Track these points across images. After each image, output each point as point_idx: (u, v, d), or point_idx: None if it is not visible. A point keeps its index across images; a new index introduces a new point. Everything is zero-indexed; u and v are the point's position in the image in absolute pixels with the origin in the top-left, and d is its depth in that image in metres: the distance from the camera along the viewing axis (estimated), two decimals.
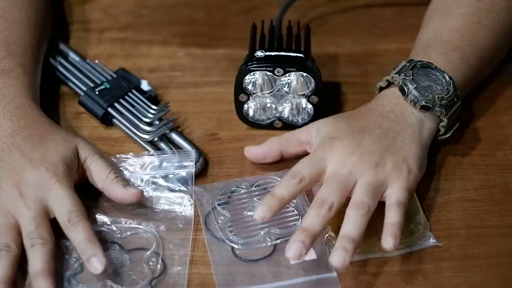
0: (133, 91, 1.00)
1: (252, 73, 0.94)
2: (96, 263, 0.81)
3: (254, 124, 0.98)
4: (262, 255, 0.85)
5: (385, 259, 0.84)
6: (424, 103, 0.90)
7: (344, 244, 0.80)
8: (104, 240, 0.86)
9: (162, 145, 0.95)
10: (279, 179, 0.92)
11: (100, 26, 1.15)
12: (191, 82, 1.06)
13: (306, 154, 0.91)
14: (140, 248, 0.85)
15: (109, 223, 0.87)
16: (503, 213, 0.89)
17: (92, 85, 1.01)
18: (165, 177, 0.91)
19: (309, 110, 0.97)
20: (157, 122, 0.97)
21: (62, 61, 1.04)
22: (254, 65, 0.93)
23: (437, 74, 0.92)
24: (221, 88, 1.04)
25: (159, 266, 0.84)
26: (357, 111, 0.92)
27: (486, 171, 0.93)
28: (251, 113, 0.98)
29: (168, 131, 0.96)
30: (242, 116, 0.98)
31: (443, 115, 0.90)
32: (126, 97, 0.99)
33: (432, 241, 0.85)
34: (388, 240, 0.81)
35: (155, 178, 0.91)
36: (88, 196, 0.89)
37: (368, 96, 1.03)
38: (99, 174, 0.88)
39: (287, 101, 0.97)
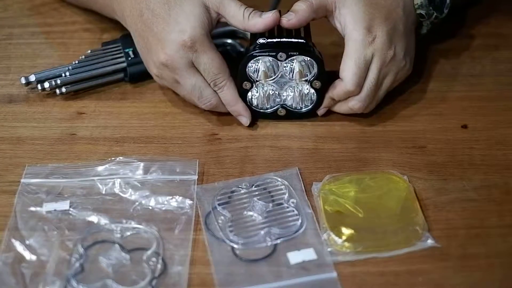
0: None
1: (255, 60, 0.95)
2: (243, 120, 0.98)
3: (258, 112, 0.99)
4: (262, 255, 0.85)
5: (385, 259, 0.84)
6: (422, 12, 1.00)
7: None
8: (104, 240, 0.86)
9: None
10: (279, 179, 0.92)
11: (100, 26, 1.15)
12: None
13: None
14: (140, 248, 0.85)
15: (109, 223, 0.87)
16: (503, 213, 0.89)
17: (124, 59, 1.05)
18: (167, 181, 0.91)
19: (312, 96, 0.98)
20: None
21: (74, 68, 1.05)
22: (257, 51, 0.95)
23: None
24: None
25: (159, 266, 0.84)
26: None
27: (486, 171, 0.93)
28: (254, 101, 0.99)
29: None
30: (246, 104, 0.98)
31: (425, 27, 1.03)
32: None
33: (430, 241, 0.85)
34: None
35: (157, 180, 0.92)
36: (89, 196, 0.90)
37: None
38: (236, 19, 0.95)
39: (290, 88, 0.98)
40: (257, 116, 0.99)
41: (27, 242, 0.85)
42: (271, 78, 0.97)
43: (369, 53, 0.94)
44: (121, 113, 1.02)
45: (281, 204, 0.89)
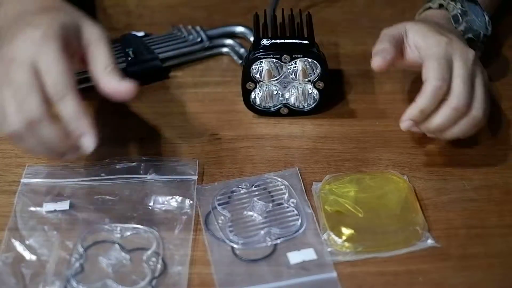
0: (145, 37, 1.09)
1: (259, 62, 0.96)
2: (87, 142, 0.79)
3: (261, 111, 1.00)
4: (262, 255, 0.85)
5: (385, 259, 0.84)
6: (471, 36, 0.98)
7: None
8: (104, 240, 0.86)
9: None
10: (279, 179, 0.92)
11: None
12: (191, 82, 1.06)
13: None
14: (140, 248, 0.85)
15: (109, 223, 0.87)
16: (503, 213, 0.89)
17: (123, 59, 1.06)
18: (167, 181, 0.92)
19: (315, 95, 0.99)
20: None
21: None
22: (261, 53, 0.95)
23: (479, 10, 0.99)
24: (221, 88, 1.04)
25: (159, 266, 0.84)
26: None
27: (486, 171, 0.93)
28: (258, 101, 0.99)
29: None
30: (249, 104, 0.99)
31: (478, 51, 0.98)
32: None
33: (430, 241, 0.85)
34: None
35: (157, 181, 0.92)
36: (89, 196, 0.90)
37: (368, 96, 1.03)
38: (98, 62, 0.82)
39: (293, 88, 0.98)
40: (262, 114, 1.00)
41: (27, 242, 0.85)
42: (275, 79, 0.97)
43: (449, 50, 0.89)
44: (122, 113, 1.02)
45: (281, 204, 0.89)
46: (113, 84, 0.81)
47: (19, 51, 0.80)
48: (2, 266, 0.83)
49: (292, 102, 0.99)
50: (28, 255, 0.84)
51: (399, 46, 0.93)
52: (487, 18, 1.00)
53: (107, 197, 0.90)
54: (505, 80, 1.06)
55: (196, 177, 0.92)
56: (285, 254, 0.84)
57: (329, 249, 0.85)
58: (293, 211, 0.89)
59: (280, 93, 0.99)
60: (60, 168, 0.93)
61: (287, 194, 0.90)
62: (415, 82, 1.06)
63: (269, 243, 0.86)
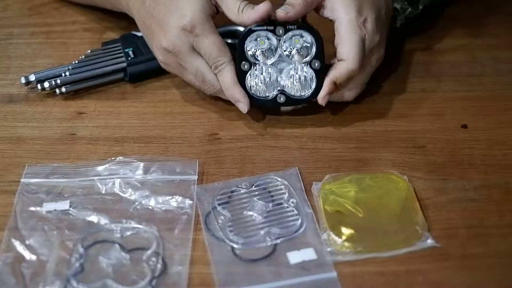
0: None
1: (254, 38, 0.95)
2: (241, 107, 0.97)
3: (257, 100, 0.98)
4: (262, 255, 0.85)
5: (385, 259, 0.84)
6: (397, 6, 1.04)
7: None
8: (104, 240, 0.86)
9: None
10: (279, 179, 0.92)
11: (100, 26, 1.15)
12: None
13: None
14: (140, 248, 0.85)
15: (109, 223, 0.87)
16: (503, 213, 0.89)
17: (123, 59, 1.05)
18: (167, 181, 0.92)
19: (311, 81, 0.97)
20: None
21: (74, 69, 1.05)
22: (255, 26, 0.95)
23: None
24: None
25: (159, 265, 0.84)
26: None
27: (486, 171, 0.93)
28: (253, 89, 0.97)
29: None
30: (245, 91, 0.97)
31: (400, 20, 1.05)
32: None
33: (430, 241, 0.85)
34: None
35: (157, 180, 0.92)
36: (88, 196, 0.90)
37: (368, 96, 1.03)
38: (231, 11, 0.95)
39: (289, 72, 0.97)
40: (256, 104, 0.98)
41: (27, 242, 0.85)
42: (270, 59, 0.97)
43: (363, 34, 0.96)
44: (121, 113, 1.02)
45: (281, 204, 0.89)
46: (253, 14, 0.95)
47: (178, 41, 0.96)
48: (2, 266, 0.83)
49: (289, 89, 0.97)
50: (28, 255, 0.84)
51: (313, 6, 0.97)
52: None
53: (107, 197, 0.90)
54: (505, 80, 1.06)
55: (196, 177, 0.92)
56: (285, 254, 0.84)
57: (329, 249, 0.85)
58: (293, 211, 0.89)
59: (276, 79, 0.97)
60: (60, 168, 0.93)
61: (287, 194, 0.90)
62: (415, 82, 1.06)
63: (269, 243, 0.86)
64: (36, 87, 1.04)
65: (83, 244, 0.85)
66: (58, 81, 1.03)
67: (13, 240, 0.85)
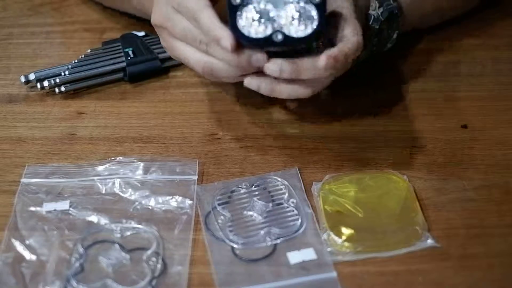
0: (145, 37, 1.09)
1: None
2: (223, 43, 0.84)
3: (251, 40, 0.85)
4: (262, 255, 0.85)
5: (385, 259, 0.84)
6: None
7: None
8: (104, 240, 0.86)
9: None
10: (279, 179, 0.92)
11: (100, 26, 1.15)
12: (191, 82, 1.06)
13: None
14: (140, 248, 0.85)
15: (109, 223, 0.87)
16: (503, 213, 0.89)
17: (123, 59, 1.05)
18: (167, 181, 0.92)
19: (311, 18, 0.85)
20: None
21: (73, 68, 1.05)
22: None
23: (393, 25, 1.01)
24: (221, 88, 1.04)
25: (159, 265, 0.84)
26: None
27: (486, 171, 0.93)
28: (246, 30, 0.85)
29: None
30: (237, 30, 0.85)
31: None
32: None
33: (430, 241, 0.85)
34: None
35: (157, 180, 0.92)
36: (88, 196, 0.90)
37: (368, 96, 1.03)
38: None
39: (287, 7, 0.85)
40: (250, 44, 0.86)
41: (27, 242, 0.85)
42: None
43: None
44: (121, 113, 1.02)
45: (281, 204, 0.89)
46: None
47: (162, 8, 0.91)
48: (2, 266, 0.83)
49: (287, 27, 0.85)
50: (28, 255, 0.84)
51: None
52: (394, 35, 1.01)
53: (107, 197, 0.90)
54: (505, 80, 1.06)
55: (196, 177, 0.92)
56: (285, 254, 0.84)
57: (329, 249, 0.85)
58: (293, 211, 0.89)
59: (272, 16, 0.85)
60: (60, 168, 0.93)
61: (287, 194, 0.90)
62: (415, 82, 1.06)
63: (269, 243, 0.86)
64: (36, 86, 1.04)
65: (83, 244, 0.85)
66: (58, 80, 1.03)
67: (13, 240, 0.85)
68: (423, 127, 0.99)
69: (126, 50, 1.06)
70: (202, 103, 1.03)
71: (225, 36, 0.84)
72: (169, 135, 0.99)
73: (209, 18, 0.86)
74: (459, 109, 1.02)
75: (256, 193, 0.91)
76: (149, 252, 0.85)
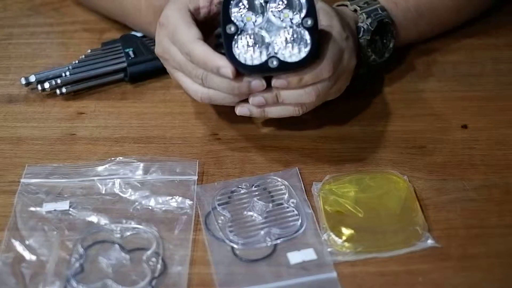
0: (144, 37, 1.09)
1: None
2: (225, 71, 0.86)
3: (247, 67, 0.87)
4: (262, 255, 0.85)
5: (385, 259, 0.84)
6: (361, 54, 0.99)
7: None
8: (104, 240, 0.86)
9: None
10: (279, 179, 0.92)
11: (99, 26, 1.15)
12: None
13: None
14: (140, 248, 0.85)
15: (109, 223, 0.87)
16: (503, 213, 0.89)
17: (124, 59, 1.05)
18: (167, 181, 0.92)
19: (305, 42, 0.87)
20: None
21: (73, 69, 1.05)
22: None
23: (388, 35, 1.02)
24: None
25: (159, 266, 0.84)
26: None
27: (486, 171, 0.93)
28: (242, 57, 0.87)
29: None
30: (233, 58, 0.87)
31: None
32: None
33: (430, 242, 0.85)
34: None
35: (157, 181, 0.92)
36: (88, 196, 0.90)
37: (368, 96, 1.03)
38: None
39: (281, 33, 0.87)
40: (246, 71, 0.87)
41: (27, 242, 0.85)
42: (258, 23, 0.87)
43: (344, 46, 0.92)
44: (121, 113, 1.02)
45: (281, 204, 0.89)
46: None
47: (159, 40, 0.94)
48: (2, 266, 0.83)
49: (281, 53, 0.87)
50: (28, 255, 0.84)
51: None
52: (391, 45, 1.02)
53: (107, 197, 0.90)
54: (505, 80, 1.06)
55: (196, 177, 0.92)
56: (285, 254, 0.84)
57: (329, 249, 0.85)
58: (293, 211, 0.89)
59: (266, 42, 0.87)
60: (60, 168, 0.93)
61: (287, 194, 0.90)
62: (415, 82, 1.06)
63: (269, 243, 0.86)
64: (37, 87, 1.04)
65: (83, 244, 0.85)
66: (59, 81, 1.03)
67: (13, 240, 0.85)
68: (423, 127, 0.99)
69: (127, 50, 1.06)
70: (202, 103, 1.02)
71: (225, 65, 0.86)
72: (169, 135, 0.99)
73: (202, 50, 0.88)
74: (459, 109, 1.02)
75: (256, 193, 0.91)
76: (149, 252, 0.85)
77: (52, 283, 0.82)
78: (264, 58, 0.87)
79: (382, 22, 1.00)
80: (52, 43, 1.14)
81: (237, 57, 0.87)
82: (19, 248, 0.85)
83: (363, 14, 0.99)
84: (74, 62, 1.06)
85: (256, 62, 0.87)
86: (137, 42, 1.08)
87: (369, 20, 0.99)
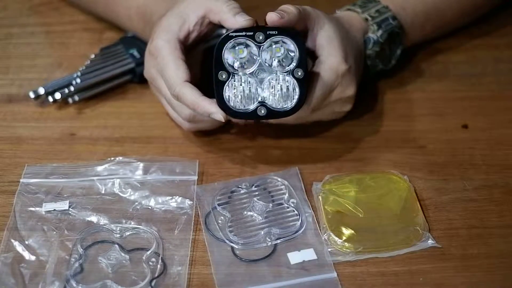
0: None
1: (232, 45, 0.88)
2: (217, 116, 0.89)
3: (236, 113, 0.90)
4: (262, 255, 0.85)
5: (385, 259, 0.84)
6: (368, 63, 1.00)
7: None
8: (103, 240, 0.86)
9: None
10: (279, 179, 0.92)
11: (99, 26, 1.15)
12: None
13: None
14: (140, 248, 0.85)
15: (109, 223, 0.87)
16: (503, 213, 0.89)
17: (130, 60, 1.05)
18: (167, 181, 0.91)
19: (294, 88, 0.89)
20: None
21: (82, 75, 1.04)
22: (233, 32, 0.88)
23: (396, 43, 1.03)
24: None
25: (159, 266, 0.84)
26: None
27: (486, 171, 0.93)
28: (232, 102, 0.89)
29: None
30: (223, 103, 0.89)
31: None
32: None
33: (430, 242, 0.85)
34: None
35: (157, 181, 0.92)
36: (88, 196, 0.90)
37: (367, 96, 1.03)
38: (222, 15, 0.91)
39: (270, 82, 0.89)
40: (235, 117, 0.90)
41: (27, 242, 0.85)
42: (250, 69, 0.90)
43: (337, 83, 0.92)
44: (121, 113, 1.02)
45: (281, 204, 0.89)
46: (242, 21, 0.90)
47: (147, 70, 0.96)
48: (2, 266, 0.83)
49: (270, 100, 0.89)
50: (27, 255, 0.84)
51: (303, 23, 0.92)
52: (398, 51, 1.03)
53: (107, 197, 0.90)
54: (505, 80, 1.06)
55: (196, 177, 0.92)
56: (285, 254, 0.84)
57: (329, 249, 0.85)
58: (293, 211, 0.89)
59: (256, 91, 0.89)
60: (59, 168, 0.93)
61: (287, 194, 0.90)
62: (415, 82, 1.06)
63: (269, 243, 0.86)
64: (47, 99, 1.02)
65: (83, 244, 0.85)
66: (72, 89, 1.02)
67: (12, 240, 0.85)
68: (423, 127, 0.99)
69: (131, 51, 1.06)
70: None
71: (216, 111, 0.89)
72: (169, 135, 0.99)
73: (191, 95, 0.90)
74: (459, 109, 1.02)
75: (256, 193, 0.90)
76: (148, 252, 0.85)
77: (52, 283, 0.82)
78: (253, 106, 0.90)
79: (393, 33, 1.00)
80: (51, 43, 1.14)
81: (227, 103, 0.89)
82: (19, 248, 0.85)
83: (374, 25, 0.99)
84: (81, 69, 1.05)
85: (245, 108, 0.90)
86: (138, 43, 1.07)
87: (380, 32, 0.99)
